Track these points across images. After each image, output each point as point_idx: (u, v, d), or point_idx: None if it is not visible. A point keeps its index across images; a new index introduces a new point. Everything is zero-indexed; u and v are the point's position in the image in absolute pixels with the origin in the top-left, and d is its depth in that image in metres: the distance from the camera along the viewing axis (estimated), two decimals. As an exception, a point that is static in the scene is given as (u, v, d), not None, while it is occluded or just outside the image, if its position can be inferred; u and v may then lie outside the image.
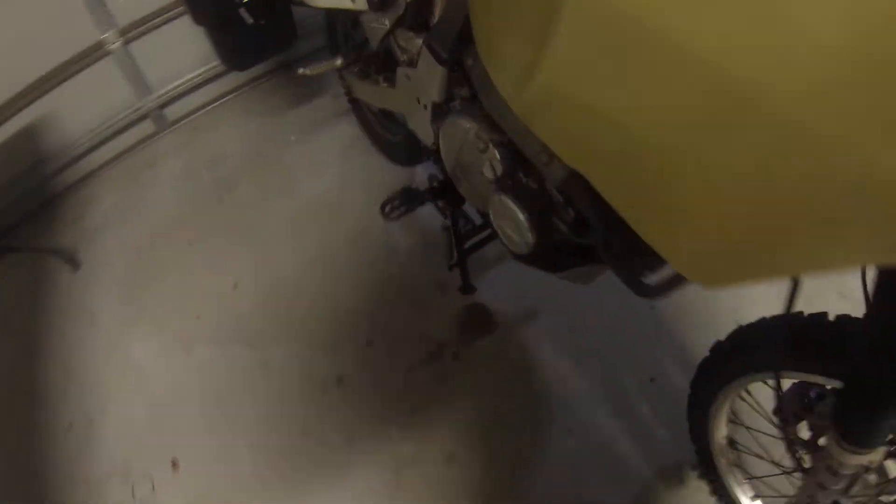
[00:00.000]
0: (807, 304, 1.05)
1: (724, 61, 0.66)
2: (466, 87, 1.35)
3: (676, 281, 1.07)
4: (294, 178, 2.31)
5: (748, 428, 1.33)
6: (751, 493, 1.41)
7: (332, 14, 1.96)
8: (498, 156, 1.28)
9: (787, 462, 1.18)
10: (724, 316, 1.84)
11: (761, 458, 1.32)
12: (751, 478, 1.39)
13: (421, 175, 2.28)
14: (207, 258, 2.13)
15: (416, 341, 1.93)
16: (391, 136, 2.21)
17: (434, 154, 1.65)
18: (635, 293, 1.13)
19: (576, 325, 1.93)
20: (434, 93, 1.39)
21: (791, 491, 1.20)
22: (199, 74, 2.42)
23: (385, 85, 1.76)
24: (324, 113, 2.49)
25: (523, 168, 1.27)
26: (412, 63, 1.46)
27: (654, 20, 0.71)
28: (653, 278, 1.16)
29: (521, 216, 1.26)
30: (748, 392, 1.23)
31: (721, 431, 1.35)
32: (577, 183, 1.07)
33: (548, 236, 1.28)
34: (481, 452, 1.71)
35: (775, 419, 1.15)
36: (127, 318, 2.02)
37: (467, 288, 1.97)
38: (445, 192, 1.70)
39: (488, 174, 1.30)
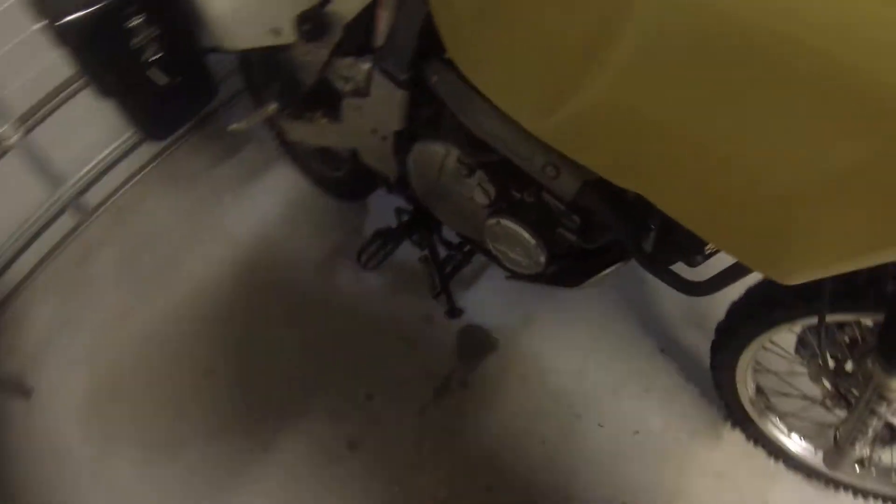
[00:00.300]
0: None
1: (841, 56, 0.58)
2: (430, 107, 1.18)
3: (731, 275, 0.97)
4: (241, 241, 2.07)
5: (775, 373, 1.34)
6: (786, 430, 1.41)
7: (245, 53, 1.74)
8: (487, 178, 1.12)
9: (815, 393, 1.24)
10: (725, 299, 1.73)
11: (790, 396, 1.35)
12: (785, 415, 1.41)
13: (376, 206, 2.08)
14: (168, 350, 1.87)
15: (418, 381, 1.75)
16: (334, 173, 2.01)
17: (398, 185, 1.47)
18: (683, 293, 1.04)
19: (572, 319, 1.82)
20: (394, 120, 1.21)
21: (822, 418, 1.30)
22: (113, 150, 2.14)
23: (325, 121, 1.55)
24: (255, 162, 2.25)
25: (516, 184, 1.12)
26: (360, 92, 1.27)
27: (770, 23, 0.61)
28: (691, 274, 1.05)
29: (527, 236, 1.11)
30: (772, 341, 1.23)
31: (748, 382, 1.34)
32: (592, 192, 0.99)
33: (557, 250, 1.14)
34: (519, 472, 1.59)
35: (800, 357, 1.21)
36: (98, 438, 1.75)
37: (455, 311, 1.80)
38: (419, 223, 1.52)
39: (480, 199, 1.14)
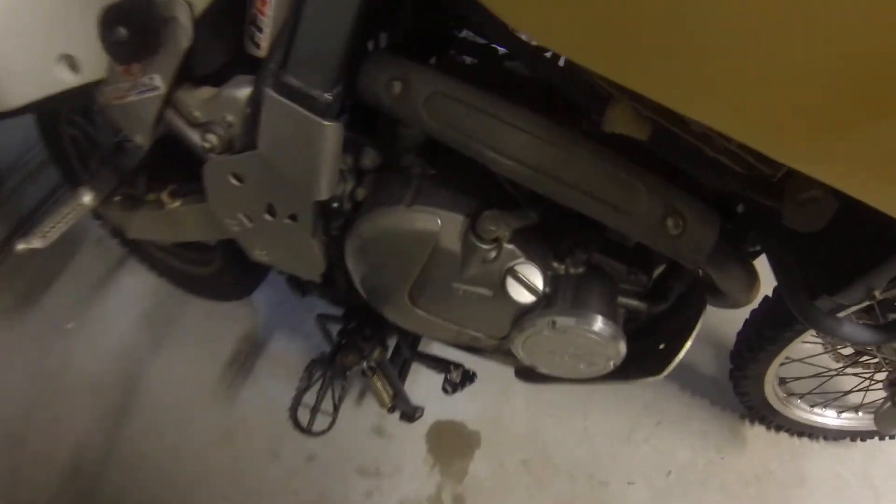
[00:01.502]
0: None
1: None
2: (377, 147, 0.63)
3: None
4: (102, 388, 1.34)
5: (800, 360, 1.23)
6: (808, 407, 1.32)
7: (46, 119, 1.07)
8: (525, 254, 0.59)
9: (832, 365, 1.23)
10: None
11: (805, 376, 1.27)
12: (804, 395, 1.31)
13: (265, 298, 1.46)
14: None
15: (399, 518, 1.19)
16: (203, 269, 1.36)
17: (322, 287, 0.90)
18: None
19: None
20: (317, 182, 0.63)
21: (836, 385, 1.28)
22: None
23: (179, 204, 0.93)
24: (95, 271, 1.52)
25: (557, 250, 0.67)
26: (235, 145, 0.68)
27: None
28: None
29: (602, 329, 0.60)
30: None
31: (773, 377, 1.21)
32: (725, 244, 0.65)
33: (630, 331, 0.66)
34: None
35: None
36: None
37: (412, 413, 1.24)
38: (366, 332, 0.94)
39: (519, 295, 0.60)
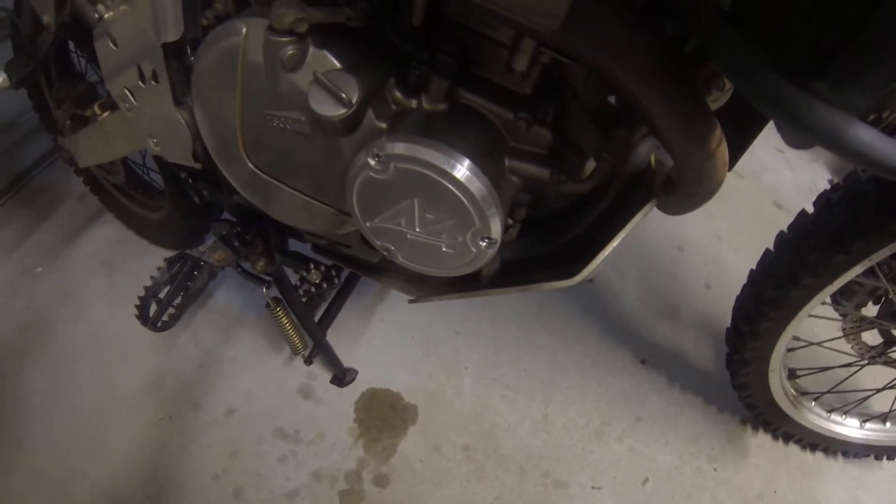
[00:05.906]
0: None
1: None
2: None
3: None
4: (54, 327, 1.30)
5: (818, 344, 0.99)
6: (825, 413, 1.07)
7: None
8: (340, 65, 0.52)
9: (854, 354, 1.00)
10: (694, 279, 1.36)
11: (829, 368, 1.03)
12: (820, 396, 1.06)
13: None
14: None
15: (312, 490, 1.04)
16: (154, 213, 1.31)
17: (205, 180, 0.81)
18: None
19: (516, 348, 1.22)
20: (166, 20, 0.62)
21: (858, 384, 1.04)
22: None
23: (107, 115, 0.89)
24: (72, 223, 1.51)
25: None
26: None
27: None
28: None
29: (451, 167, 0.52)
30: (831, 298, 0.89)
31: (782, 369, 0.98)
32: None
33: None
34: None
35: (843, 312, 0.92)
36: None
37: (343, 376, 1.13)
38: (247, 237, 0.84)
39: (322, 106, 0.52)
